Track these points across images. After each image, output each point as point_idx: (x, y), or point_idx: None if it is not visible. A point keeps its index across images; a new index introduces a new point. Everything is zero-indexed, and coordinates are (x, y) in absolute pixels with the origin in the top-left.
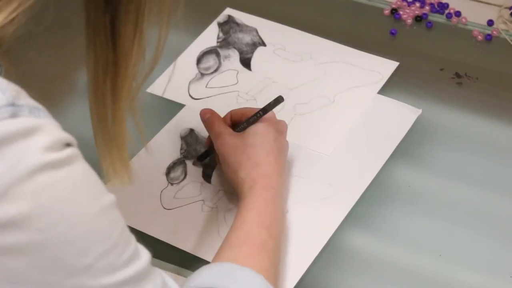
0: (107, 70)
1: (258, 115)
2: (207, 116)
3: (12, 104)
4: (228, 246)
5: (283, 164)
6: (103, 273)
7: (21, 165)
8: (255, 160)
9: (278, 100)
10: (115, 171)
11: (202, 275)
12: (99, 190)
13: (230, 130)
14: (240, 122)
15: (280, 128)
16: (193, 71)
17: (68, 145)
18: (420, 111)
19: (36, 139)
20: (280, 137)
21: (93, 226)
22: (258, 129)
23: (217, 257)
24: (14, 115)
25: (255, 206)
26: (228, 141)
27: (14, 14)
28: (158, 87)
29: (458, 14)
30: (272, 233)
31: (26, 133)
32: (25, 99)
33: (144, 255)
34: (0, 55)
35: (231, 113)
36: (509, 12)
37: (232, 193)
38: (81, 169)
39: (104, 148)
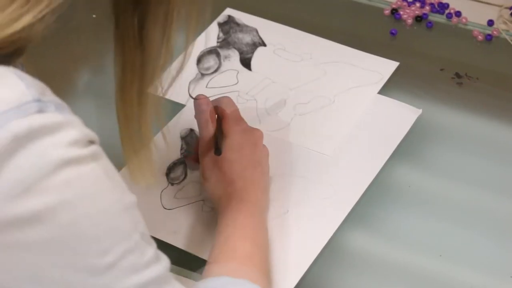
0: (134, 73)
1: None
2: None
3: (38, 100)
4: (215, 263)
5: (260, 176)
6: (126, 273)
7: (47, 160)
8: (230, 177)
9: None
10: (142, 172)
11: None
12: (121, 188)
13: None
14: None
15: (256, 139)
16: (193, 71)
17: (91, 142)
18: (420, 111)
19: (62, 134)
20: (255, 149)
21: (116, 224)
22: (234, 143)
23: (206, 274)
24: (40, 111)
25: (233, 220)
26: (211, 157)
27: (43, 13)
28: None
29: (458, 14)
30: (257, 244)
31: (52, 129)
32: (50, 96)
33: (165, 259)
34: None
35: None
36: (509, 12)
37: None
38: (105, 167)
39: (131, 149)
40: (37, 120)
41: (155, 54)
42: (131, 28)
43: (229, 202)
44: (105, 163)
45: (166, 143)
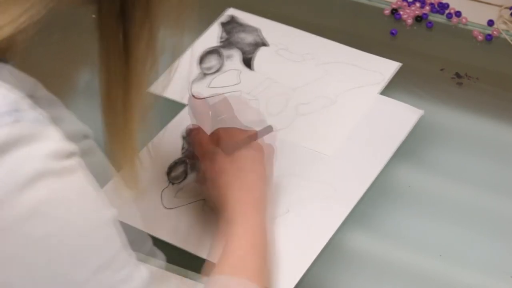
0: (119, 83)
1: (248, 140)
2: (195, 133)
3: (16, 110)
4: (224, 274)
5: (269, 189)
6: (101, 287)
7: (22, 172)
8: (246, 185)
9: (268, 129)
10: (125, 182)
11: None
12: (100, 202)
13: (220, 151)
14: (227, 141)
15: (268, 154)
16: (195, 70)
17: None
18: (421, 111)
19: (39, 145)
20: (267, 163)
21: (91, 240)
22: (249, 154)
23: (211, 285)
24: (17, 121)
25: (248, 232)
26: (220, 162)
27: (25, 25)
28: (159, 86)
29: (458, 14)
30: (266, 258)
31: (29, 139)
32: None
33: (144, 273)
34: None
35: (219, 131)
36: (509, 12)
37: None
38: (83, 180)
39: (117, 159)
40: (13, 130)
41: (140, 64)
42: (115, 39)
43: (246, 212)
44: (84, 176)
45: (151, 158)
